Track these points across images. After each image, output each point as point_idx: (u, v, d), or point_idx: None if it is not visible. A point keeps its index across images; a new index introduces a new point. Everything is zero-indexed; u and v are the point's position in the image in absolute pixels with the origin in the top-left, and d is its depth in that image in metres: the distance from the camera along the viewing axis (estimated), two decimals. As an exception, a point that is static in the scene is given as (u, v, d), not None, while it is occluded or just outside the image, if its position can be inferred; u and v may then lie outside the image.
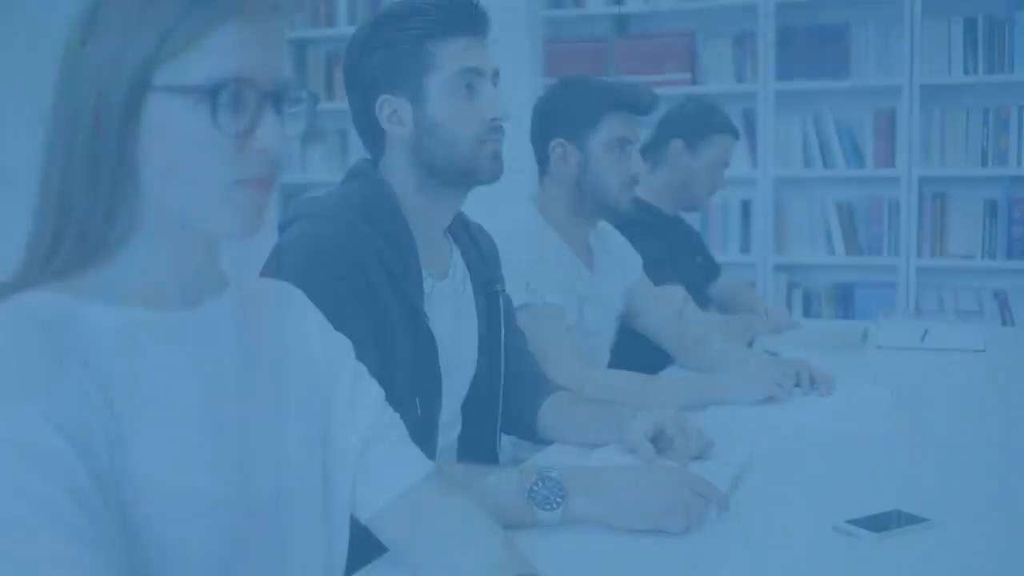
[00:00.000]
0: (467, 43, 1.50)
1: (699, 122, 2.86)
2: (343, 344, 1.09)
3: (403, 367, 1.45)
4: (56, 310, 0.83)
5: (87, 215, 0.86)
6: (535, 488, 1.25)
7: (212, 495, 0.88)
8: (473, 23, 1.51)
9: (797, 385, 1.99)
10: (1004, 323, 3.92)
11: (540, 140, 2.21)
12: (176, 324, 0.90)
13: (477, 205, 1.68)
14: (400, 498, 1.05)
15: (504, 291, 1.72)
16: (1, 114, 4.72)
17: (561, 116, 2.17)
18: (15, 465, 0.74)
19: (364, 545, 1.10)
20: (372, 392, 1.09)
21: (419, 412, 1.46)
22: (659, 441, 1.52)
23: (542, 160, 2.21)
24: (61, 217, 0.86)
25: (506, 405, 1.70)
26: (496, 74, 1.54)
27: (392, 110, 1.51)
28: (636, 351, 2.37)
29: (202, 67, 0.84)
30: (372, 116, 1.53)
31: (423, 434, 1.42)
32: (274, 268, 1.41)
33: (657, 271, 2.47)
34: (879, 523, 1.25)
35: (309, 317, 1.07)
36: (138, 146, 0.85)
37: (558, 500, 1.25)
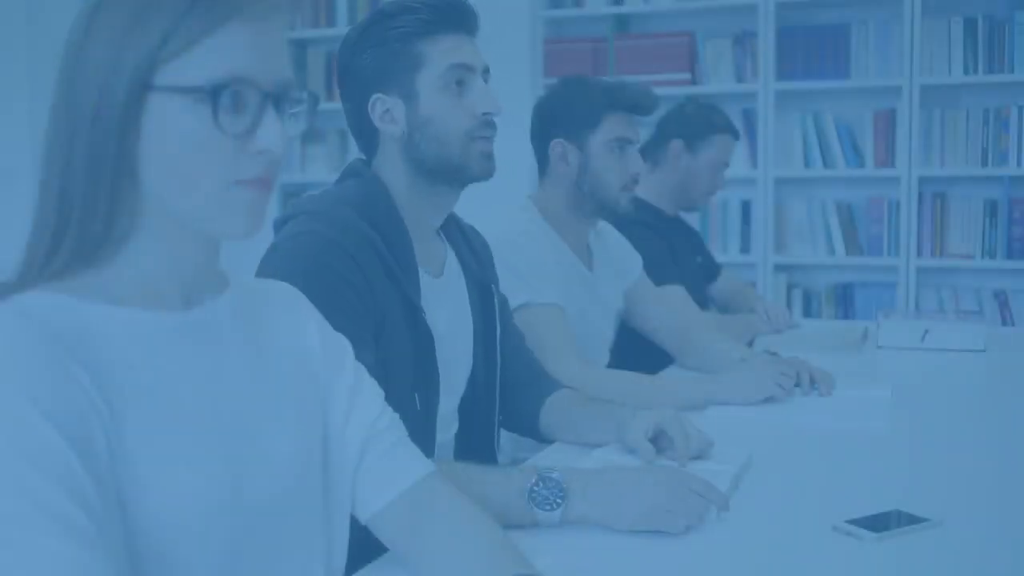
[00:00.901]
0: (457, 40, 1.51)
1: (699, 122, 2.86)
2: (343, 344, 1.09)
3: (402, 362, 1.45)
4: (56, 310, 0.83)
5: (87, 215, 0.86)
6: (535, 488, 1.25)
7: (212, 495, 0.88)
8: (462, 20, 1.52)
9: (797, 385, 1.99)
10: (1004, 323, 3.91)
11: (540, 140, 2.21)
12: (176, 324, 0.90)
13: (477, 204, 1.68)
14: (400, 498, 1.05)
15: (498, 289, 1.73)
16: (2, 115, 4.72)
17: (561, 116, 2.17)
18: (16, 465, 0.74)
19: (364, 545, 1.10)
20: (372, 392, 1.09)
21: (418, 407, 1.47)
22: (659, 441, 1.52)
23: (542, 160, 2.21)
24: (61, 217, 0.86)
25: (509, 403, 1.70)
26: (487, 71, 1.54)
27: (385, 109, 1.52)
28: (636, 351, 2.37)
29: (203, 67, 0.84)
30: (365, 115, 1.54)
31: (422, 430, 1.42)
32: (270, 265, 1.41)
33: (657, 271, 2.47)
34: (879, 523, 1.25)
35: (309, 317, 1.07)
36: (139, 146, 0.85)
37: (558, 501, 1.25)
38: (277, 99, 0.87)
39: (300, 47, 4.63)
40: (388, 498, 1.05)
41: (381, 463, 1.06)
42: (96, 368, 0.82)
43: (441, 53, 1.50)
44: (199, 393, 0.89)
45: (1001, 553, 1.22)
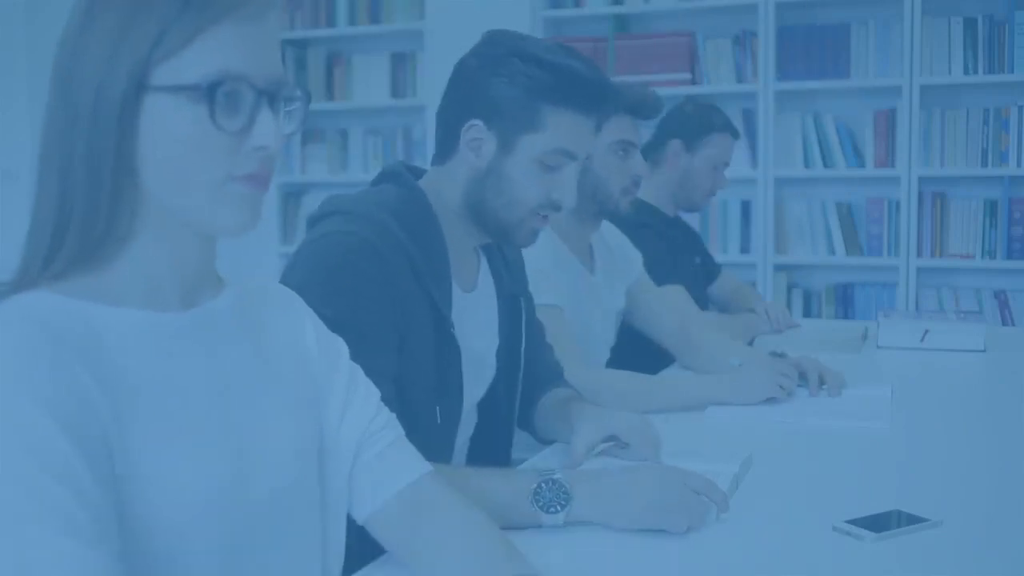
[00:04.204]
0: (579, 122, 1.46)
1: (698, 122, 2.86)
2: (338, 344, 1.09)
3: (425, 375, 1.41)
4: (58, 310, 0.83)
5: (89, 216, 0.86)
6: (539, 490, 1.25)
7: (215, 492, 0.88)
8: (596, 105, 1.47)
9: (802, 385, 1.99)
10: (1004, 323, 3.92)
11: None
12: (177, 325, 0.90)
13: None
14: (395, 498, 1.05)
15: (528, 300, 1.70)
16: (2, 115, 4.72)
17: None
18: (22, 464, 0.75)
19: (363, 545, 1.10)
20: (367, 392, 1.09)
21: (439, 421, 1.43)
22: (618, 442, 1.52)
23: None
24: (62, 218, 0.86)
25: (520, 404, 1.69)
26: (588, 158, 1.52)
27: (477, 137, 1.46)
28: (636, 351, 2.37)
29: (197, 66, 0.84)
30: (456, 128, 1.48)
31: (440, 441, 1.40)
32: (300, 262, 1.38)
33: (657, 271, 2.46)
34: (879, 523, 1.25)
35: (305, 319, 1.06)
36: (136, 145, 0.85)
37: (562, 503, 1.24)
38: (271, 96, 0.88)
39: (300, 47, 4.62)
40: (384, 498, 1.05)
41: (376, 463, 1.05)
42: (99, 367, 0.82)
43: (560, 130, 1.44)
44: (201, 391, 0.90)
45: (1001, 553, 1.22)
